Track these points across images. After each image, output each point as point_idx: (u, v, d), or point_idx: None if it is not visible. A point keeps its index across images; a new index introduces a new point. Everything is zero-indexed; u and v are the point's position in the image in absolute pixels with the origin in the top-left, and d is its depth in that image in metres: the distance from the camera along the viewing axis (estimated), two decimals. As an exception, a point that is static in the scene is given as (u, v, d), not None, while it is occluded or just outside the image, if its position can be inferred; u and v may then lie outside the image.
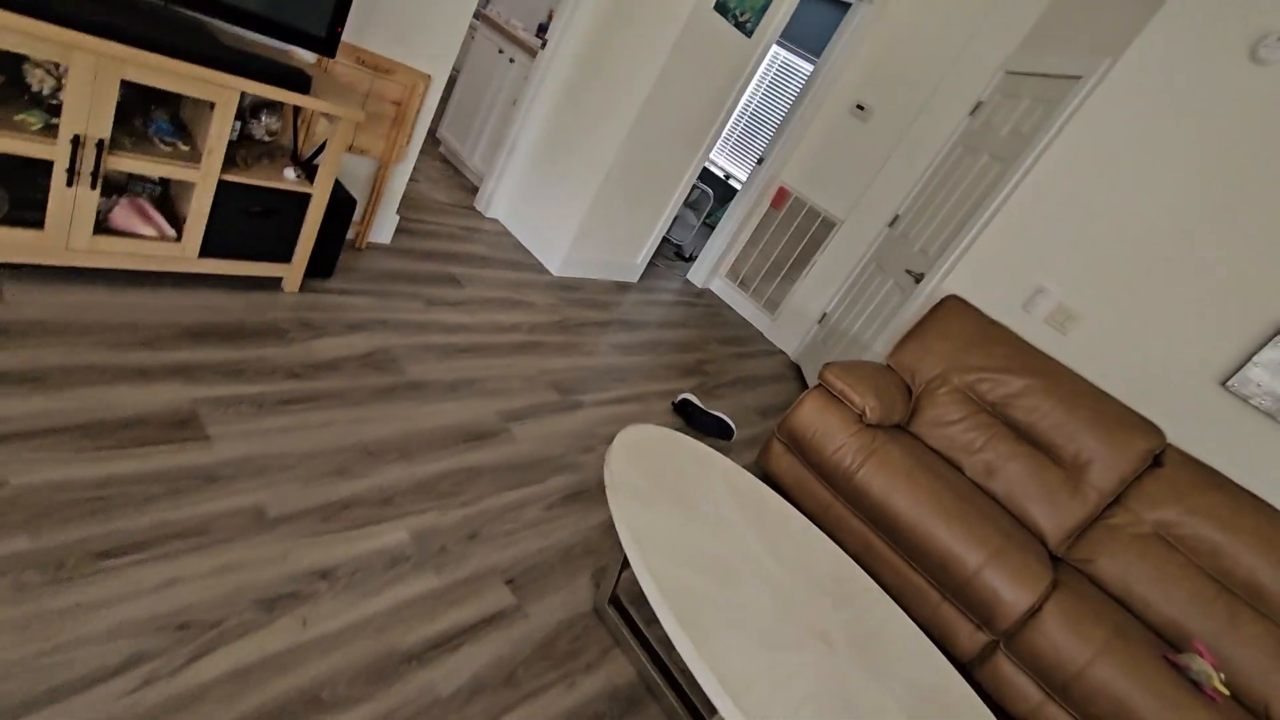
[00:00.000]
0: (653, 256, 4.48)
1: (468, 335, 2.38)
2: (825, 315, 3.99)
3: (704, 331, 3.74)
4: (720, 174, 6.63)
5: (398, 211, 2.83)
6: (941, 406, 2.60)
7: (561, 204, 3.24)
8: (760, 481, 1.76)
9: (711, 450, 1.74)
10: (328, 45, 1.72)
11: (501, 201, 3.49)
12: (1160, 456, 2.34)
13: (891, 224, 3.73)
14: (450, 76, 4.17)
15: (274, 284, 2.04)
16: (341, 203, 2.06)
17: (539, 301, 2.93)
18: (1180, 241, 2.47)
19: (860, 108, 3.84)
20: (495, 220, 3.52)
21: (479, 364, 2.26)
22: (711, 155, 6.66)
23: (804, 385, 3.82)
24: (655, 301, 3.76)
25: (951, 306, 2.73)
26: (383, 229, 2.59)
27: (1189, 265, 2.45)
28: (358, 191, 2.42)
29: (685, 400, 2.66)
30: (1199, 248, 2.43)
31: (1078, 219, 2.66)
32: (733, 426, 2.65)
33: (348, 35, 2.05)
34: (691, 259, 5.00)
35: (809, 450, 2.36)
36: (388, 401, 1.87)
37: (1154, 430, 2.34)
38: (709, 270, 4.44)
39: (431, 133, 4.12)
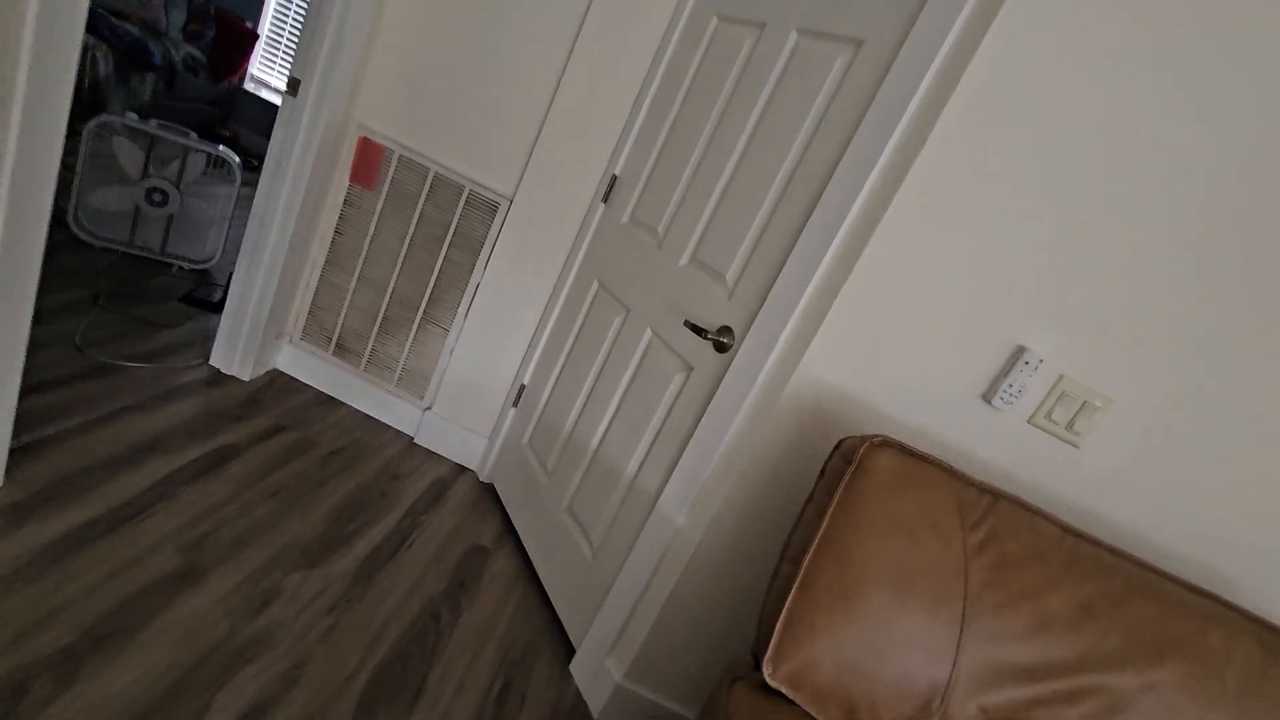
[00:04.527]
0: (116, 351, 1.90)
1: None
2: (524, 388, 2.03)
3: (269, 546, 1.47)
4: (263, 94, 3.90)
5: None
6: (958, 797, 0.92)
7: None
8: None
9: None
10: None
11: None
12: None
13: (607, 196, 1.83)
14: None
15: None
16: None
17: None
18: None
19: (483, -58, 1.73)
20: None
21: None
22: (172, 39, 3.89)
23: (524, 559, 1.86)
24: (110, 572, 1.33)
25: (891, 477, 0.98)
26: None
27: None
28: None
29: None
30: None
31: (1082, 185, 1.08)
32: None
33: None
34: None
35: None
36: None
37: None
38: (258, 329, 2.05)
39: None
